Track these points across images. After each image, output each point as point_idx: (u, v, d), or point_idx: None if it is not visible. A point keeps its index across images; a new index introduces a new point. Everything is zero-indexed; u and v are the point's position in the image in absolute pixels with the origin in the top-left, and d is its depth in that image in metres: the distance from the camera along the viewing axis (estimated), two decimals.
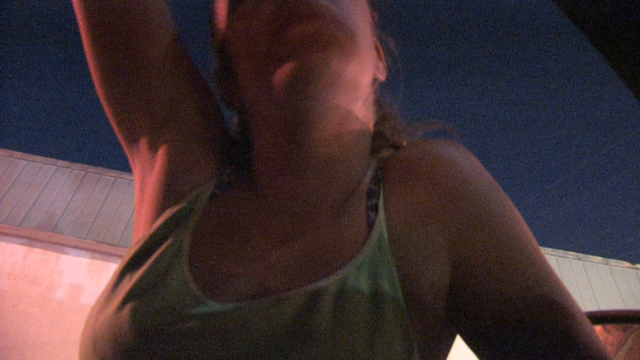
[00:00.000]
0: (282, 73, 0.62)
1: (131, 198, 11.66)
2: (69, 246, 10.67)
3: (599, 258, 12.57)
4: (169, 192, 0.70)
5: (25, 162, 11.85)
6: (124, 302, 0.58)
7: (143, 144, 0.74)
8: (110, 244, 10.65)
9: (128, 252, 0.66)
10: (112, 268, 10.64)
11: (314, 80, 0.62)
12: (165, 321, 0.56)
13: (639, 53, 0.42)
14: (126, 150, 0.77)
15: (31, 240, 10.59)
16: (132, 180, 12.02)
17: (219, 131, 0.76)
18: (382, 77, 0.76)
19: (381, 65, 0.77)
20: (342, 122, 0.67)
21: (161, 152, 0.72)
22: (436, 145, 0.66)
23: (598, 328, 1.35)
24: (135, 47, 0.71)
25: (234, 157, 0.76)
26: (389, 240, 0.60)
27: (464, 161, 0.64)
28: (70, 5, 0.73)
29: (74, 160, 12.46)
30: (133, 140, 0.75)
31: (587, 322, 0.58)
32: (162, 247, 0.64)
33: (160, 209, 0.69)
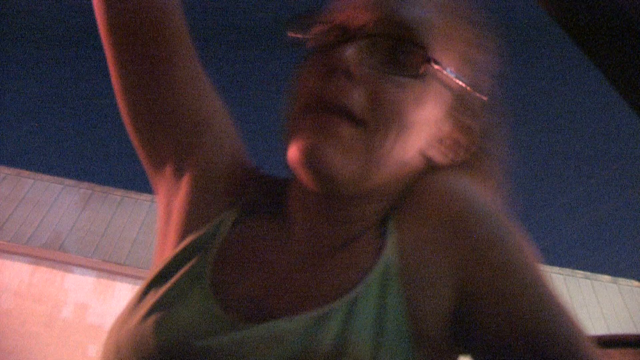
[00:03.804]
0: (291, 152, 0.66)
1: (137, 217, 11.69)
2: (75, 265, 10.66)
3: (608, 277, 12.47)
4: (194, 218, 0.74)
5: (32, 180, 11.91)
6: (148, 314, 0.62)
7: (168, 169, 0.77)
8: (116, 263, 10.65)
9: (152, 271, 0.70)
10: (118, 287, 10.62)
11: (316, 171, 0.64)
12: (186, 335, 0.59)
13: (633, 66, 0.43)
14: (150, 175, 0.80)
15: (37, 259, 10.59)
16: (139, 199, 12.06)
17: (241, 157, 0.79)
18: (440, 159, 0.72)
19: (443, 148, 0.71)
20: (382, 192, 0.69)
21: (186, 178, 0.76)
22: (444, 177, 0.68)
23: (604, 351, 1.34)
24: (161, 75, 0.74)
25: (258, 184, 0.78)
26: (398, 265, 0.62)
27: (472, 195, 0.65)
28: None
29: (80, 179, 12.51)
30: (158, 166, 0.78)
31: (594, 352, 0.58)
32: (186, 267, 0.67)
33: (184, 233, 0.73)
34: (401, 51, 0.66)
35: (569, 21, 0.49)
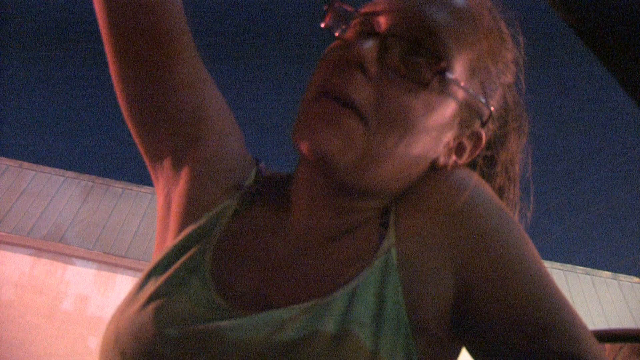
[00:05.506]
0: (300, 144, 0.66)
1: (138, 210, 11.71)
2: (76, 257, 10.70)
3: (608, 273, 12.49)
4: (193, 208, 0.74)
5: (34, 172, 11.93)
6: (147, 303, 0.63)
7: (168, 161, 0.78)
8: (117, 255, 10.68)
9: (153, 260, 0.71)
10: (119, 279, 10.66)
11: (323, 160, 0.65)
12: (185, 322, 0.60)
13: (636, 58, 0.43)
14: (149, 166, 0.81)
15: (38, 250, 10.63)
16: (140, 192, 12.08)
17: (240, 149, 0.80)
18: (443, 160, 0.71)
19: (447, 150, 0.71)
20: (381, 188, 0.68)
21: (185, 169, 0.77)
22: (445, 171, 0.69)
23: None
24: (161, 70, 0.74)
25: (257, 175, 0.79)
26: (397, 256, 0.63)
27: (471, 185, 0.66)
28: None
29: (82, 171, 12.54)
30: (157, 157, 0.79)
31: (594, 344, 0.59)
32: (186, 257, 0.68)
33: (184, 224, 0.74)
34: (418, 55, 0.66)
35: (574, 17, 0.48)
